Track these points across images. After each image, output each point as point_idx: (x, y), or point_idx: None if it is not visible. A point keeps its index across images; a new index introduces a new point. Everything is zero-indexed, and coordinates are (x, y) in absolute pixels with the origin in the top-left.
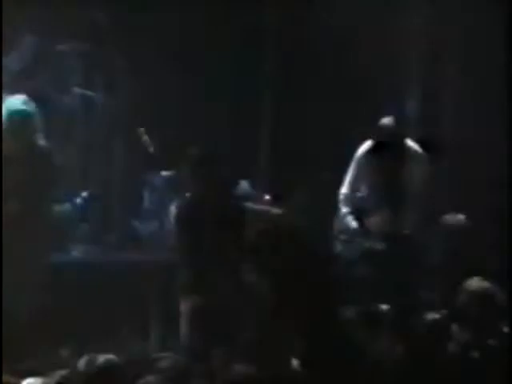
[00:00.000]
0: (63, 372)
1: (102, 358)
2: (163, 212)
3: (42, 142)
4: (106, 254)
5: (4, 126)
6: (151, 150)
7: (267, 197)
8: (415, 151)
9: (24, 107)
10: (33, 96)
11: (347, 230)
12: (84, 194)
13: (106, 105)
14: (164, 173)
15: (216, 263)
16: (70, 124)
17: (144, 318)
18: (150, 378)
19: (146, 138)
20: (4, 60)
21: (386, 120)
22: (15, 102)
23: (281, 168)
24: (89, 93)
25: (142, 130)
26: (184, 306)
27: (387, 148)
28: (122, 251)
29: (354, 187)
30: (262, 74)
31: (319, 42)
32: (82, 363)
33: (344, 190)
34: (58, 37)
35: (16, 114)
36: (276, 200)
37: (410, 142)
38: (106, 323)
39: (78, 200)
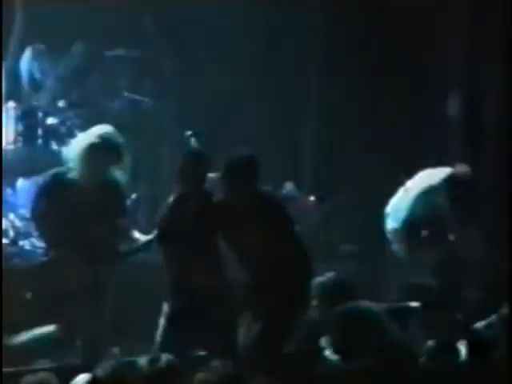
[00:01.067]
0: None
1: (164, 358)
2: None
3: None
4: (154, 254)
5: (85, 152)
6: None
7: (311, 198)
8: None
9: (113, 139)
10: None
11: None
12: (133, 196)
13: (155, 109)
14: (210, 175)
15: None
16: (119, 128)
17: None
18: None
19: (193, 141)
20: (55, 66)
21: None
22: (105, 131)
23: (325, 169)
24: (138, 97)
25: (189, 133)
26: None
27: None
28: None
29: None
30: (306, 75)
31: (364, 42)
32: (143, 362)
33: (396, 224)
34: (107, 43)
35: (104, 144)
36: (319, 201)
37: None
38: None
39: (127, 202)
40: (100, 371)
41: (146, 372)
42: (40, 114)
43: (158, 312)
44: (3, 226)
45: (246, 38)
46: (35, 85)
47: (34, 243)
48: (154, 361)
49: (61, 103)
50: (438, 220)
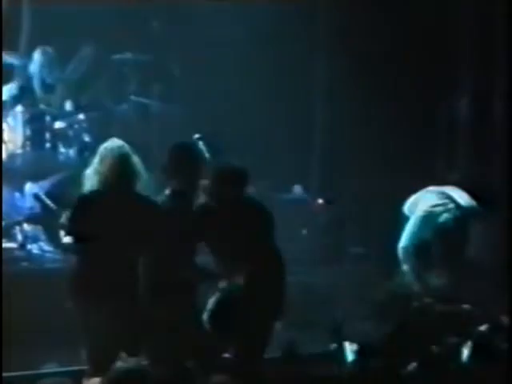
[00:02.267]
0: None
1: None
2: None
3: None
4: None
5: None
6: (207, 156)
7: (320, 201)
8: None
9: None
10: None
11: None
12: None
13: (162, 112)
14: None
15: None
16: (127, 131)
17: None
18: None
19: (201, 145)
20: (63, 69)
21: None
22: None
23: (334, 172)
24: (145, 101)
25: (197, 136)
26: None
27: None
28: None
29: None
30: (314, 79)
31: (372, 43)
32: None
33: (405, 242)
34: (115, 46)
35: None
36: (328, 204)
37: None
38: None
39: None
40: (112, 374)
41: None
42: (48, 118)
43: None
44: (12, 231)
45: (255, 40)
46: (43, 88)
47: (42, 247)
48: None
49: (68, 107)
50: (446, 241)
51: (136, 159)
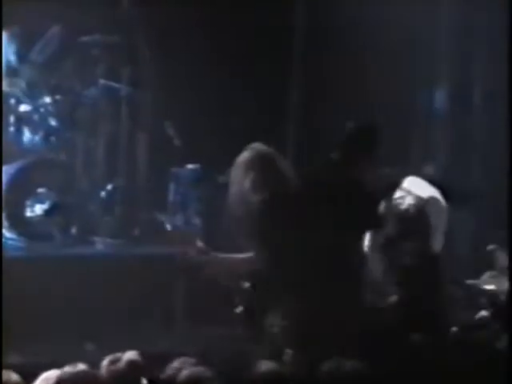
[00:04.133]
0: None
1: (125, 358)
2: (188, 205)
3: None
4: (130, 247)
5: None
6: (177, 142)
7: None
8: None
9: None
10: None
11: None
12: (109, 186)
13: (132, 97)
14: (189, 166)
15: None
16: (95, 116)
17: (168, 311)
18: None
19: (171, 130)
20: (29, 52)
21: None
22: None
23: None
24: (114, 84)
25: (167, 122)
26: None
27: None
28: (146, 244)
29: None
30: (291, 66)
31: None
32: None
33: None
34: (83, 28)
35: None
36: None
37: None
38: (130, 317)
39: (103, 193)
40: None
41: (105, 373)
42: (12, 101)
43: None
44: None
45: (225, 25)
46: (8, 70)
47: (4, 234)
48: (114, 361)
49: (34, 90)
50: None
51: None
